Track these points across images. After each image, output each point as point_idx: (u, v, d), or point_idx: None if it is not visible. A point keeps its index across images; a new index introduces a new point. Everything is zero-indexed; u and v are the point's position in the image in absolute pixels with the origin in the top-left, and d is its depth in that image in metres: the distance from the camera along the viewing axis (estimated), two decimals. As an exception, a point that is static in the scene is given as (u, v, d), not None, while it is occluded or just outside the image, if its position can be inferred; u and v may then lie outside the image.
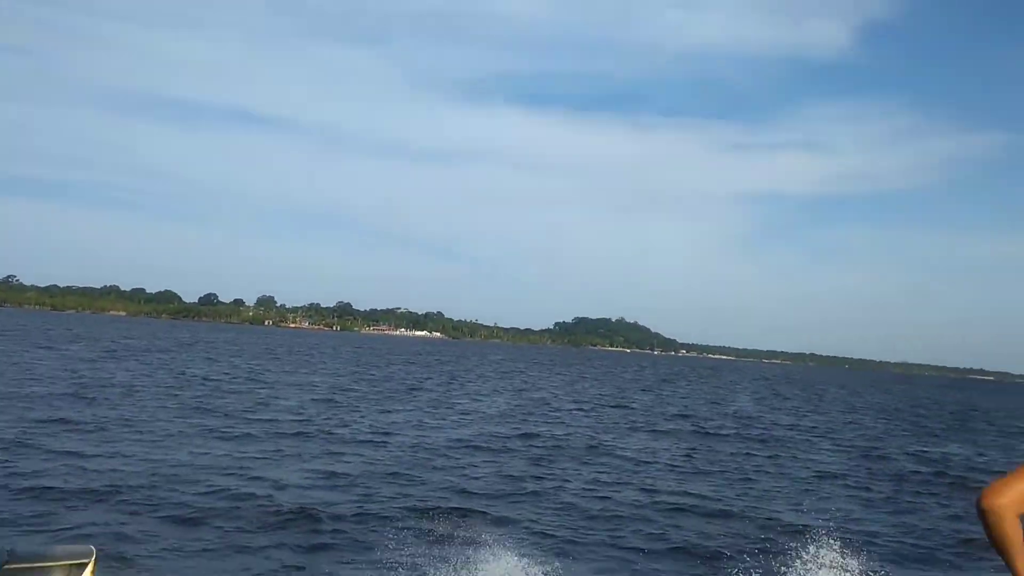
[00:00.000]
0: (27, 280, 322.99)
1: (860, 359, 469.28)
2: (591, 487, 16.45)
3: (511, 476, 17.06)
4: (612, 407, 38.15)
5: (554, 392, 47.08)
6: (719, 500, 15.47)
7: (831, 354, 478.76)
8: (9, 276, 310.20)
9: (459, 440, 21.82)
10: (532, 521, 13.22)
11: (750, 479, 18.23)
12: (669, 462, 20.47)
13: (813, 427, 35.31)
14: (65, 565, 3.34)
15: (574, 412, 33.81)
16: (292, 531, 11.35)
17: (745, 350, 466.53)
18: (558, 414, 32.48)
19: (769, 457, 22.59)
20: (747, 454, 22.89)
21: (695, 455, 22.12)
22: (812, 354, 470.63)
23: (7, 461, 14.53)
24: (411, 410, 29.35)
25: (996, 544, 2.17)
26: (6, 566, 2.92)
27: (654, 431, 28.00)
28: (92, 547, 3.65)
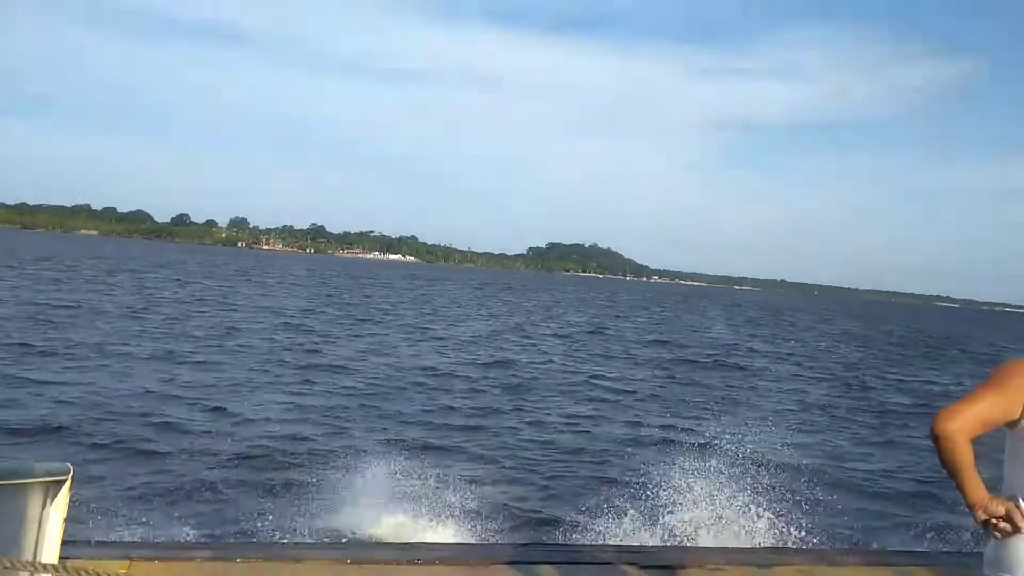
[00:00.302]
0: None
1: (830, 286, 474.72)
2: (571, 420, 16.01)
3: (488, 408, 16.57)
4: (588, 332, 37.89)
5: (530, 318, 46.77)
6: (700, 433, 15.09)
7: (801, 281, 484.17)
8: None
9: (433, 368, 21.31)
10: (510, 453, 12.74)
11: (731, 410, 17.88)
12: (649, 392, 20.11)
13: (789, 354, 35.25)
14: (44, 482, 3.36)
15: (549, 339, 33.47)
16: (257, 466, 10.88)
17: (717, 276, 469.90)
18: (533, 341, 32.10)
19: (750, 388, 22.32)
20: (728, 385, 22.59)
21: (674, 384, 21.80)
22: (783, 281, 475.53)
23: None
24: (384, 334, 28.80)
25: (948, 468, 2.24)
26: None
27: (632, 358, 27.70)
28: (69, 464, 3.60)
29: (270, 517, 8.50)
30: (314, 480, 10.02)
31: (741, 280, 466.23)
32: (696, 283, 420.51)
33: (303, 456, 11.43)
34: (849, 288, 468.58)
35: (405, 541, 7.48)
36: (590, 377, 21.90)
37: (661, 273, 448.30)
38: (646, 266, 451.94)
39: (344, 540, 7.67)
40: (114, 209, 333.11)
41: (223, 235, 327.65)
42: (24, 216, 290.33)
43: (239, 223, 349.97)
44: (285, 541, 7.45)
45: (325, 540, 7.62)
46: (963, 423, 2.20)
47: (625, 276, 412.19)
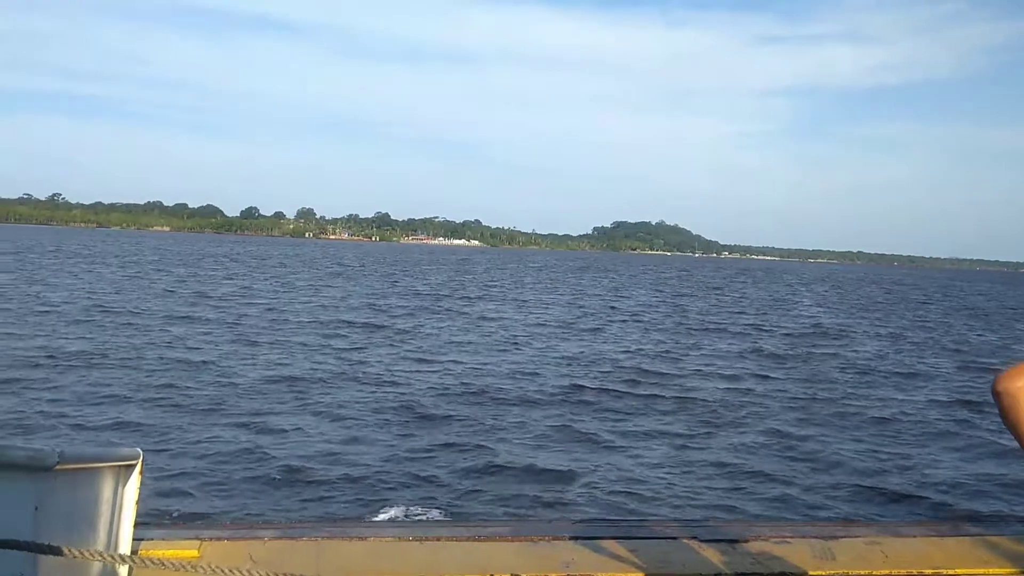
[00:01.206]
0: (72, 198, 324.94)
1: (909, 255, 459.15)
2: (697, 426, 13.42)
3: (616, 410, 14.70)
4: (681, 320, 34.85)
5: (612, 301, 44.00)
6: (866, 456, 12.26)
7: (879, 251, 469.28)
8: (55, 194, 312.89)
9: (541, 362, 19.15)
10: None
11: (879, 421, 14.90)
12: (777, 395, 17.20)
13: (912, 339, 31.74)
14: (115, 466, 3.51)
15: (646, 324, 30.67)
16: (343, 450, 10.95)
17: (789, 250, 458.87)
18: (631, 328, 29.40)
19: (876, 388, 19.20)
20: (854, 384, 19.43)
21: (798, 383, 18.81)
22: (859, 252, 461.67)
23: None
24: (472, 325, 26.45)
25: (1010, 426, 2.19)
26: (57, 466, 2.86)
27: (736, 350, 24.73)
28: (139, 450, 3.73)
29: (339, 499, 8.86)
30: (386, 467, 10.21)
31: (815, 253, 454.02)
32: (768, 257, 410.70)
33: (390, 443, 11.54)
34: (929, 258, 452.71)
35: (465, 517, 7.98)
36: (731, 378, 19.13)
37: (731, 248, 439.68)
38: (715, 242, 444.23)
39: (406, 518, 7.99)
40: (185, 205, 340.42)
41: (291, 226, 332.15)
42: (99, 215, 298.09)
43: (306, 214, 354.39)
44: (347, 518, 7.82)
45: (388, 519, 7.97)
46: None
47: (694, 253, 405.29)
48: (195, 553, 4.07)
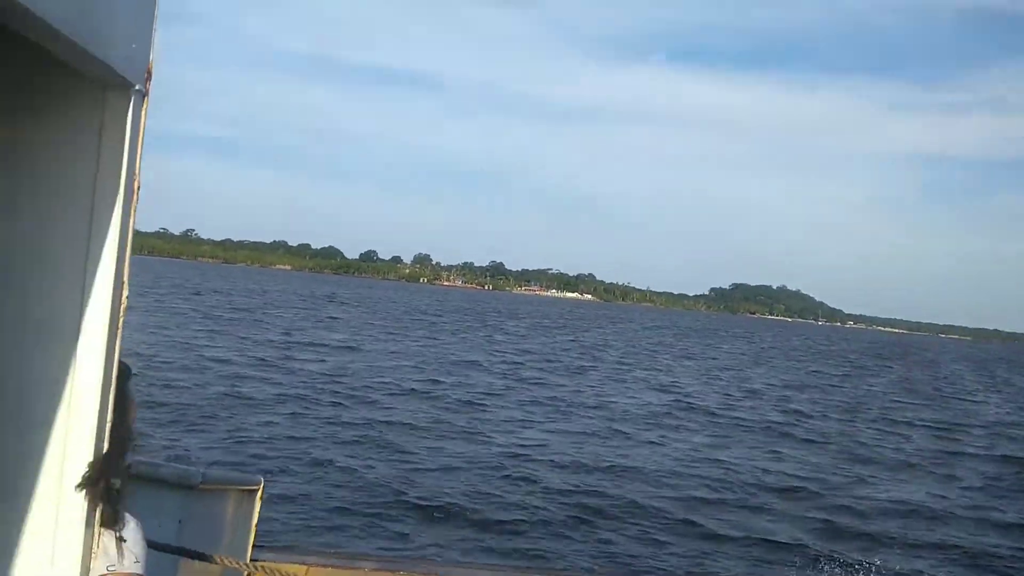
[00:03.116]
0: (204, 234, 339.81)
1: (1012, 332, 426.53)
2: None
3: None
4: (853, 411, 29.07)
5: (766, 381, 38.57)
6: None
7: (1017, 330, 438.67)
8: (188, 230, 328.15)
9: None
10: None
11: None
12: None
13: None
14: (240, 489, 4.04)
15: (816, 418, 25.54)
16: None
17: (918, 323, 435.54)
18: (803, 422, 24.42)
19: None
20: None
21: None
22: (996, 330, 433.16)
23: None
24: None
25: None
26: (200, 485, 3.47)
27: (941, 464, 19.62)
28: (261, 477, 4.20)
29: (440, 536, 9.27)
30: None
31: (947, 328, 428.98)
32: (895, 330, 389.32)
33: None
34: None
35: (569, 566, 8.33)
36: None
37: (856, 318, 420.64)
38: (840, 310, 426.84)
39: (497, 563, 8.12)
40: (308, 245, 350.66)
41: (407, 271, 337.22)
42: (227, 251, 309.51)
43: (422, 259, 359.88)
44: (438, 559, 8.18)
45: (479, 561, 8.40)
46: None
47: (817, 320, 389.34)
48: (303, 574, 4.30)
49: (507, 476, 12.23)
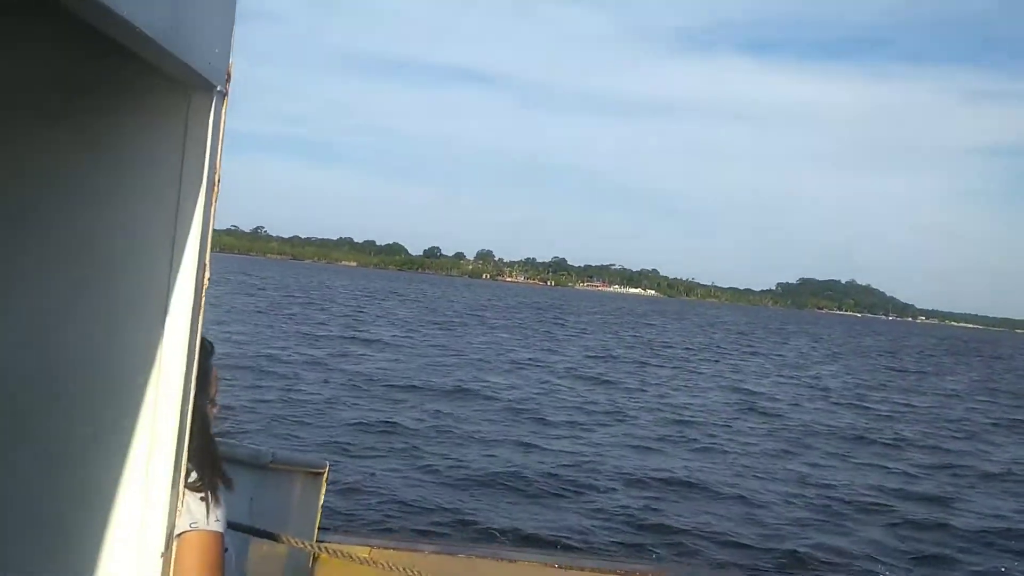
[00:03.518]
0: (273, 231, 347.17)
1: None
2: None
3: None
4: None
5: (841, 380, 37.81)
6: None
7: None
8: (258, 227, 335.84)
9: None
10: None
11: None
12: None
13: None
14: (306, 471, 4.23)
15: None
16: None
17: (995, 319, 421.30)
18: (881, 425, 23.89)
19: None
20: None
21: None
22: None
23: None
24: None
25: None
26: (270, 464, 3.70)
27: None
28: (327, 461, 4.46)
29: (500, 519, 9.49)
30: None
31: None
32: (970, 325, 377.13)
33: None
34: None
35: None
36: None
37: (928, 313, 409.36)
38: (911, 305, 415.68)
39: (558, 547, 8.38)
40: (373, 242, 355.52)
41: (469, 267, 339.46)
42: (295, 248, 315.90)
43: (485, 256, 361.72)
44: (503, 541, 8.47)
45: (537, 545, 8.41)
46: None
47: (887, 315, 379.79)
48: (367, 555, 4.47)
49: (571, 471, 12.29)
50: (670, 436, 16.11)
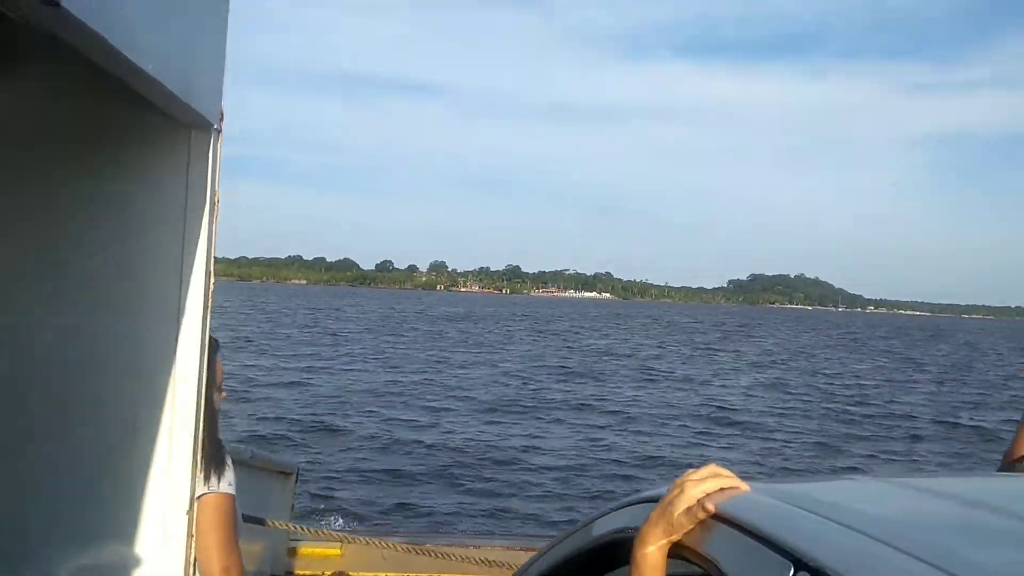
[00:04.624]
0: (219, 253, 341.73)
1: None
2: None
3: None
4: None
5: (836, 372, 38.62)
6: None
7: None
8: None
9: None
10: None
11: None
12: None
13: None
14: (278, 472, 4.59)
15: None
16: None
17: (941, 305, 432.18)
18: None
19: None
20: None
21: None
22: (1018, 307, 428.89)
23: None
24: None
25: None
26: (249, 461, 3.98)
27: None
28: (298, 463, 5.00)
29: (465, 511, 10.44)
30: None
31: (969, 308, 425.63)
32: (918, 312, 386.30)
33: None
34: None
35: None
36: None
37: (877, 303, 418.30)
38: (860, 296, 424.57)
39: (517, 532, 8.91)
40: (323, 259, 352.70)
41: (423, 279, 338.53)
42: (242, 269, 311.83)
43: (438, 267, 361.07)
44: (465, 530, 9.27)
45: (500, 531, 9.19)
46: None
47: (837, 307, 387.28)
48: (338, 552, 4.88)
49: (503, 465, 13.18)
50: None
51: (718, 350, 46.06)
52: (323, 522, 8.43)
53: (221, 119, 1.73)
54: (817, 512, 1.17)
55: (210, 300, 1.72)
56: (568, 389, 23.00)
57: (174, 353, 1.68)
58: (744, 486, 1.29)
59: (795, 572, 1.02)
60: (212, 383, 1.87)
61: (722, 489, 1.26)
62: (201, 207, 1.70)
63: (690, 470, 1.31)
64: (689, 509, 1.23)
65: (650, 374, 29.49)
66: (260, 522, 3.46)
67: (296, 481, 4.74)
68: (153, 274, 1.70)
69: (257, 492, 4.10)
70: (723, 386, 26.60)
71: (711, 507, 1.22)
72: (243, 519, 3.40)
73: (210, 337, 1.77)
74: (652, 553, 1.25)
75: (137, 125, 1.70)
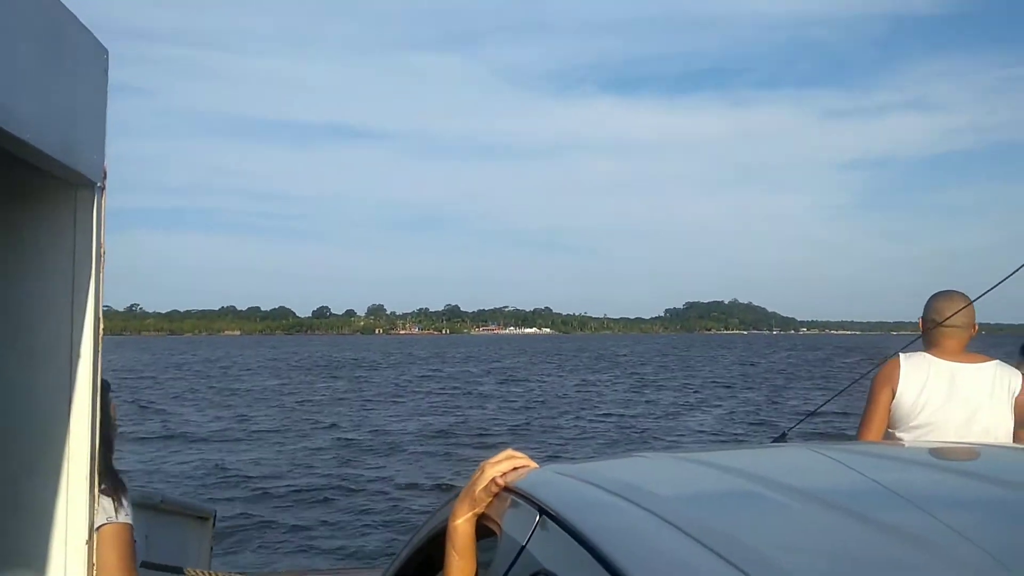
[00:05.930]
0: (149, 308, 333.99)
1: (997, 323, 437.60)
2: None
3: None
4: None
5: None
6: None
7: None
8: (132, 305, 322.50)
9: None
10: None
11: None
12: None
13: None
14: (194, 517, 4.50)
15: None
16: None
17: (870, 323, 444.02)
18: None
19: None
20: None
21: None
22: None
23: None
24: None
25: None
26: (160, 505, 3.88)
27: None
28: (215, 508, 4.89)
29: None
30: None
31: (897, 325, 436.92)
32: (848, 332, 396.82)
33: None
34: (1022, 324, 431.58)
35: None
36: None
37: (809, 324, 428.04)
38: (792, 318, 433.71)
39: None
40: (258, 308, 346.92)
41: (361, 323, 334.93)
42: (173, 323, 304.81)
43: (376, 310, 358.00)
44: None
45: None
46: None
47: (772, 330, 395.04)
48: None
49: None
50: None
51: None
52: (244, 568, 8.42)
53: (104, 177, 1.88)
54: (578, 477, 1.51)
55: (100, 344, 1.87)
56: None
57: (69, 395, 1.82)
58: (533, 464, 1.59)
59: (539, 518, 1.32)
60: (106, 420, 2.01)
61: (516, 468, 1.56)
62: (88, 260, 1.85)
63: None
64: (487, 486, 1.53)
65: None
66: (178, 571, 3.32)
67: (214, 526, 4.68)
68: (45, 320, 1.84)
69: (172, 538, 4.04)
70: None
71: (501, 482, 1.53)
72: (158, 567, 3.33)
73: (102, 379, 1.92)
74: (461, 524, 1.55)
75: (25, 185, 1.85)
